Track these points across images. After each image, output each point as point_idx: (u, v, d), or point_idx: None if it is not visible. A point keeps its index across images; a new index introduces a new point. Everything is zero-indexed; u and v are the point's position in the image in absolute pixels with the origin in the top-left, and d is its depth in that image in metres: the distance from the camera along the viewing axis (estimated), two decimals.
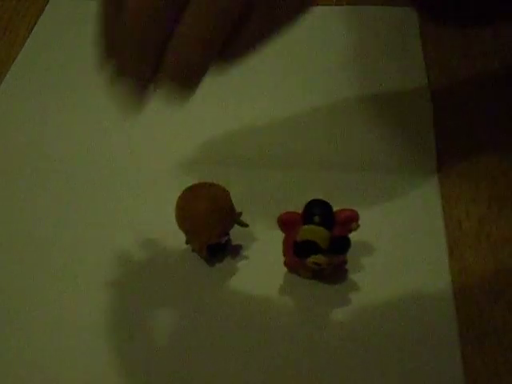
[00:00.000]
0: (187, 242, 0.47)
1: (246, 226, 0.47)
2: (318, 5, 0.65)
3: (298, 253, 0.44)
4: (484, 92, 0.58)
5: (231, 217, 0.46)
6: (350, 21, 0.65)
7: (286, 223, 0.46)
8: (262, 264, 0.47)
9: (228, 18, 0.36)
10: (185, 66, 0.37)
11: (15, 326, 0.45)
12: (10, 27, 0.65)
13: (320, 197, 0.46)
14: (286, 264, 0.46)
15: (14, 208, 0.51)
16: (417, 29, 0.63)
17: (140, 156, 0.54)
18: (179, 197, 0.46)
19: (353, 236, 0.44)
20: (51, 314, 0.45)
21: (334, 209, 0.45)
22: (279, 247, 0.46)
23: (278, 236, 0.46)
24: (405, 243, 0.48)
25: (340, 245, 0.44)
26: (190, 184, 0.47)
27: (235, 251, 0.48)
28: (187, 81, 0.38)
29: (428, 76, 0.59)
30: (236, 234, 0.47)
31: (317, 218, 0.44)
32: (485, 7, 0.65)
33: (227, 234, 0.47)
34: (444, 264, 0.46)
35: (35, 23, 0.65)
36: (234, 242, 0.48)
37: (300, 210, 0.45)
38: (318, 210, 0.45)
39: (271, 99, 0.58)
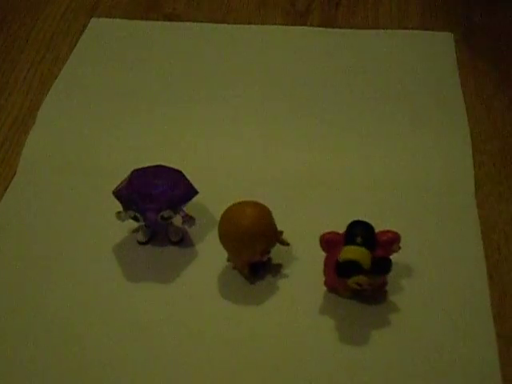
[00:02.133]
0: (229, 260, 0.48)
1: (287, 244, 0.48)
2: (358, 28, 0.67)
3: (339, 272, 0.44)
4: None
5: (273, 236, 0.47)
6: (390, 44, 0.66)
7: (327, 243, 0.46)
8: (302, 283, 0.47)
9: None
10: None
11: None
12: (52, 45, 0.67)
13: (361, 218, 0.46)
14: (326, 283, 0.47)
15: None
16: (453, 53, 0.64)
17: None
18: (222, 215, 0.47)
19: (394, 257, 0.45)
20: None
21: (376, 230, 0.46)
22: (319, 266, 0.47)
23: (319, 255, 0.46)
24: (444, 266, 0.48)
25: (381, 266, 0.44)
26: (231, 203, 0.47)
27: (276, 270, 0.48)
28: None
29: (465, 102, 0.60)
30: (277, 252, 0.48)
31: (359, 239, 0.45)
32: None
33: (269, 252, 0.47)
34: (484, 288, 0.47)
35: (77, 41, 0.67)
36: (275, 261, 0.48)
37: (341, 231, 0.46)
38: (361, 231, 0.45)
39: (311, 121, 0.59)
